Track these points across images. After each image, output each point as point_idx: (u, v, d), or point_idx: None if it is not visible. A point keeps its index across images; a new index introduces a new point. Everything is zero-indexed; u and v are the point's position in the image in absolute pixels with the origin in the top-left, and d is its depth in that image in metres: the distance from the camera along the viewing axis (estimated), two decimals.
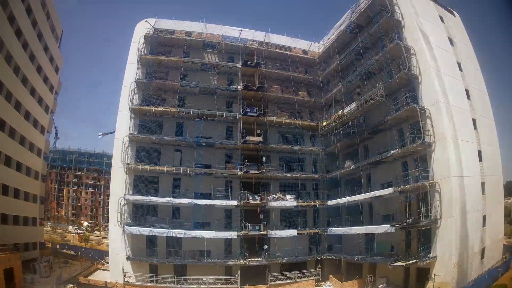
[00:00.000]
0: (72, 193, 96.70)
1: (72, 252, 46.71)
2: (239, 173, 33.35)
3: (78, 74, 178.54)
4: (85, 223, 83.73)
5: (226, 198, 32.38)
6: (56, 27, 41.50)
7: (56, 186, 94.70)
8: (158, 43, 35.34)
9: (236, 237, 31.41)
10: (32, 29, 34.33)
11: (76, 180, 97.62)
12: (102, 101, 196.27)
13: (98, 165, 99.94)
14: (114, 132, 33.24)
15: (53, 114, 44.57)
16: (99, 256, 41.73)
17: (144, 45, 34.80)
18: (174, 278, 29.46)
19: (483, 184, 27.41)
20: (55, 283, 28.16)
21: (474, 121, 28.54)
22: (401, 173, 28.11)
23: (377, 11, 29.71)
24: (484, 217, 26.98)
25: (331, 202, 34.96)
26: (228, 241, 32.03)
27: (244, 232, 31.55)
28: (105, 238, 59.08)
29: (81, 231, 71.46)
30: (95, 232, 76.87)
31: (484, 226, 26.91)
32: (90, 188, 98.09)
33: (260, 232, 31.91)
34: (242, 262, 30.94)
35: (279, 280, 31.10)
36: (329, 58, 37.40)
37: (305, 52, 40.41)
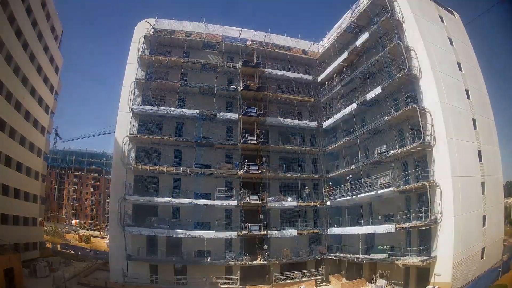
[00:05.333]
0: (72, 193, 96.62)
1: (72, 252, 46.72)
2: (239, 173, 33.35)
3: (78, 74, 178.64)
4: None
5: (226, 198, 32.38)
6: (56, 27, 41.49)
7: (56, 186, 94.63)
8: (158, 43, 35.36)
9: (236, 237, 31.40)
10: (32, 29, 34.32)
11: (76, 180, 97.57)
12: (102, 101, 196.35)
13: (98, 165, 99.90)
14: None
15: (53, 114, 44.54)
16: (99, 256, 41.78)
17: (144, 45, 34.78)
18: (174, 278, 29.47)
19: (483, 184, 27.40)
20: (55, 283, 28.12)
21: (474, 121, 28.54)
22: (401, 173, 28.14)
23: (377, 11, 29.71)
24: (484, 217, 26.97)
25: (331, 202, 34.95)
26: (228, 241, 32.03)
27: (244, 232, 31.54)
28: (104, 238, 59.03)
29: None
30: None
31: (484, 226, 26.90)
32: (90, 188, 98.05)
33: (260, 232, 31.92)
34: (242, 262, 30.95)
35: (280, 280, 31.12)
36: (329, 58, 37.40)
37: (305, 52, 40.40)
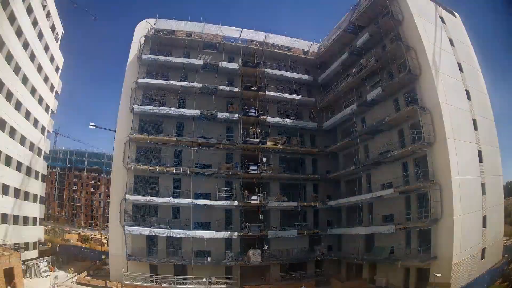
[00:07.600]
0: (72, 193, 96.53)
1: (72, 252, 46.60)
2: (239, 173, 33.34)
3: (78, 74, 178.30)
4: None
5: (226, 199, 32.38)
6: (56, 27, 41.51)
7: (56, 186, 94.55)
8: (158, 43, 35.38)
9: (236, 237, 31.41)
10: (33, 29, 34.34)
11: (76, 180, 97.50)
12: (102, 101, 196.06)
13: (98, 165, 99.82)
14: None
15: (53, 114, 44.50)
16: (98, 256, 41.74)
17: (145, 45, 34.79)
18: (174, 278, 29.47)
19: (483, 185, 27.37)
20: (55, 283, 28.10)
21: (474, 121, 28.52)
22: (401, 173, 28.12)
23: (377, 12, 29.70)
24: (484, 217, 26.94)
25: (331, 203, 34.95)
26: (228, 241, 32.01)
27: (244, 232, 31.54)
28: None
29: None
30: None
31: (484, 227, 26.88)
32: (90, 188, 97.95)
33: (260, 233, 31.91)
34: (242, 262, 30.94)
35: (280, 280, 31.09)
36: (329, 58, 37.39)
37: (305, 52, 40.40)
